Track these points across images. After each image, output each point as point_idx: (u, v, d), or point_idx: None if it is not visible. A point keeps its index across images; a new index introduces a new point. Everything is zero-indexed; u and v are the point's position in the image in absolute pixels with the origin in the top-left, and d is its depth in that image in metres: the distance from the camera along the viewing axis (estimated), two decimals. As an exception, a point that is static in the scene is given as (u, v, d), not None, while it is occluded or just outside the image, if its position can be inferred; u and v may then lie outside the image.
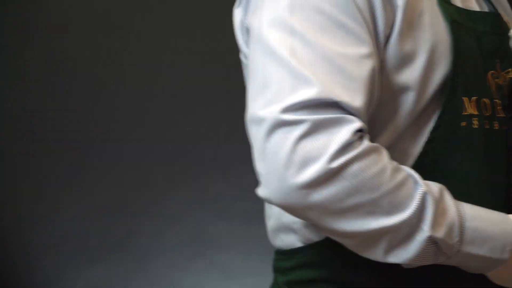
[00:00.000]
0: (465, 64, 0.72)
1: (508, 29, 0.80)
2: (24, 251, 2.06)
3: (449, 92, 0.70)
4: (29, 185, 2.07)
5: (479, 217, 0.66)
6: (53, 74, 2.09)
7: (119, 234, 2.05)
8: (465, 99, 0.72)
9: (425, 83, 0.69)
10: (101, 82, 2.10)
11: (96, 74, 2.11)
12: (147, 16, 2.12)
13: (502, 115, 0.75)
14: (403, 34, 0.68)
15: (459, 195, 0.67)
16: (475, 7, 0.79)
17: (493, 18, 0.80)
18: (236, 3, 0.78)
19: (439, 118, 0.71)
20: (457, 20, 0.73)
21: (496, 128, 0.75)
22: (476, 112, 0.73)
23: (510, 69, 0.77)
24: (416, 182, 0.64)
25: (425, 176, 0.66)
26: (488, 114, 0.74)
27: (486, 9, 0.81)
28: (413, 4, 0.69)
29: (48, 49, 2.09)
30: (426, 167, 0.70)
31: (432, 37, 0.70)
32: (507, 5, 0.85)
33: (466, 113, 0.72)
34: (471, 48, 0.73)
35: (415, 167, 0.68)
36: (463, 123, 0.72)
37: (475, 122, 0.73)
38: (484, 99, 0.74)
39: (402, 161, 0.67)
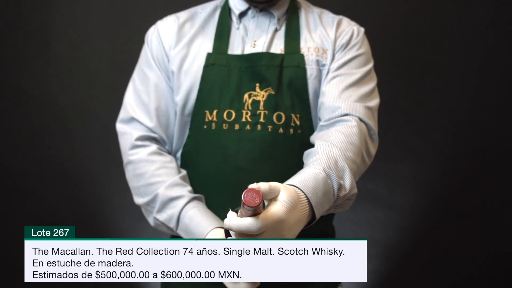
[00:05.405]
0: (211, 90, 1.09)
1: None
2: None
3: (195, 107, 1.12)
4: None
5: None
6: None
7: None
8: (206, 111, 1.10)
9: (185, 104, 1.13)
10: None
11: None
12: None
13: (250, 120, 1.08)
14: (177, 78, 1.14)
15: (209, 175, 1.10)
16: (238, 52, 1.14)
17: (252, 56, 1.13)
18: None
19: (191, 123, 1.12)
20: (213, 63, 1.12)
21: (237, 128, 1.09)
22: (216, 119, 1.08)
23: (269, 88, 1.10)
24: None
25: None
26: (232, 120, 1.07)
27: (260, 50, 1.14)
28: (181, 59, 1.15)
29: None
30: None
31: (191, 78, 1.13)
32: (320, 34, 1.17)
33: (207, 120, 1.10)
34: (221, 80, 1.10)
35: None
36: (205, 126, 1.10)
37: (214, 125, 1.08)
38: (230, 110, 1.08)
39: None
